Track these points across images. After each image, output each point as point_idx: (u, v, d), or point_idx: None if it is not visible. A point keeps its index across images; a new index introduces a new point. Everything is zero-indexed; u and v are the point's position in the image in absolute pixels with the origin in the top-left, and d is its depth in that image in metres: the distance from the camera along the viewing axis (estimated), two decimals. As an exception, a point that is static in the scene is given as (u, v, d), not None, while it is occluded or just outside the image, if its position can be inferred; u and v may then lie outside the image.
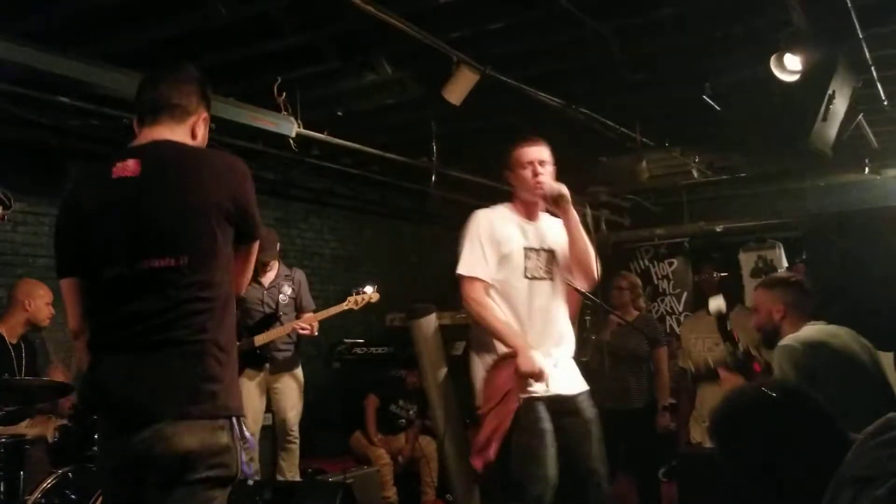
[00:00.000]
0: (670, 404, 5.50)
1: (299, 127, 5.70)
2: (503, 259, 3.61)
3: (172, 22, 4.62)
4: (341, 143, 6.52)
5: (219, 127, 5.71)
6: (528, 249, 3.65)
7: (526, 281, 3.61)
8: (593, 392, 3.72)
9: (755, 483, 1.67)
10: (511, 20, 4.76)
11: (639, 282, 5.71)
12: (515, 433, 3.38)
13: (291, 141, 5.84)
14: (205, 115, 2.60)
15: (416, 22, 4.51)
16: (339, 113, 6.23)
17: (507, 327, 3.53)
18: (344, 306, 5.65)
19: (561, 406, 3.52)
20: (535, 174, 3.65)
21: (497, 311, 3.57)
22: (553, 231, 3.77)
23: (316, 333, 5.67)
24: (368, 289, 5.73)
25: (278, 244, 5.90)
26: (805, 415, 1.70)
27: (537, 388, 3.42)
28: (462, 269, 3.63)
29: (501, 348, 3.55)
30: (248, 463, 3.16)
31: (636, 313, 5.60)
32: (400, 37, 4.58)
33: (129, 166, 2.37)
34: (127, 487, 2.31)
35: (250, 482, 4.46)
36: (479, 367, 3.63)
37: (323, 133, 6.22)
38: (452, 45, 4.86)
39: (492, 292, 3.60)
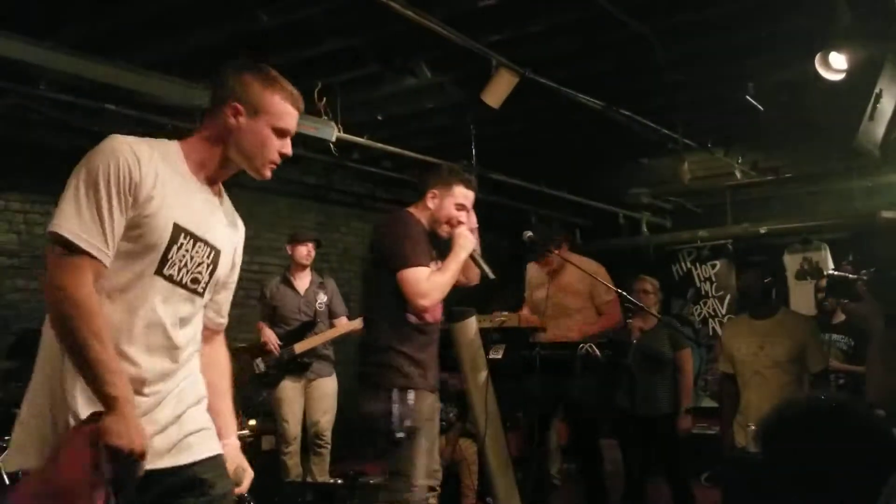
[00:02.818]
0: (702, 407, 5.44)
1: (340, 131, 5.75)
2: None
3: (215, 29, 4.69)
4: (382, 146, 6.56)
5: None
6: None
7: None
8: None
9: (802, 494, 1.64)
10: (550, 22, 4.75)
11: (657, 284, 5.65)
12: None
13: (332, 145, 5.89)
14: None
15: (455, 26, 4.52)
16: (380, 117, 6.28)
17: None
18: None
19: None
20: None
21: None
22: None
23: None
24: None
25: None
26: (855, 429, 1.68)
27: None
28: None
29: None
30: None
31: (658, 316, 5.55)
32: (439, 41, 4.59)
33: None
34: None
35: None
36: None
37: (363, 137, 6.27)
38: (492, 48, 4.87)
39: None
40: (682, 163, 6.94)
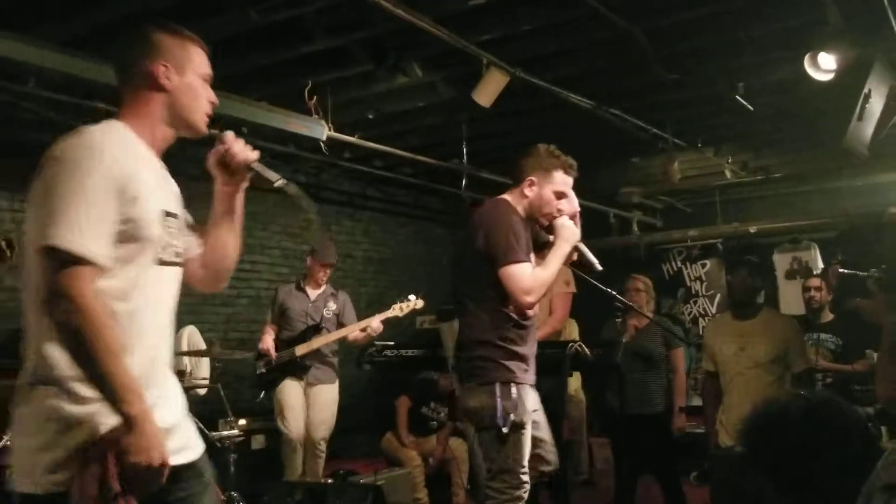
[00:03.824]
0: (693, 406, 5.46)
1: (330, 130, 5.75)
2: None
3: (206, 27, 4.66)
4: (372, 145, 6.55)
5: (251, 130, 5.78)
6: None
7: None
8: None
9: (784, 491, 1.65)
10: (541, 21, 4.75)
11: (650, 283, 5.67)
12: None
13: (323, 144, 5.89)
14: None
15: (446, 24, 4.52)
16: (370, 116, 6.27)
17: None
18: (389, 313, 5.72)
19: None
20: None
21: None
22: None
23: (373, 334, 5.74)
24: (412, 297, 5.80)
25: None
26: (836, 425, 1.69)
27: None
28: None
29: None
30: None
31: (651, 315, 5.56)
32: (430, 39, 4.59)
33: None
34: None
35: None
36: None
37: (354, 136, 6.26)
38: (482, 48, 4.87)
39: None
40: (673, 162, 6.96)
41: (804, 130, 6.02)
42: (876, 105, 4.36)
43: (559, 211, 3.45)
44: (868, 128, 4.40)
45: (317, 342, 5.70)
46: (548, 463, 3.57)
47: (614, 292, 4.45)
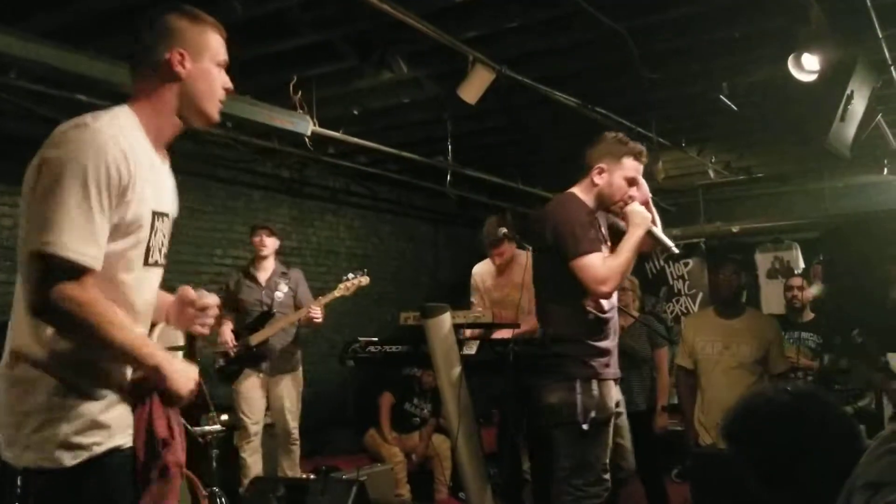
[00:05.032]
0: (671, 404, 5.48)
1: (315, 125, 5.73)
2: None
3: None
4: (357, 141, 6.53)
5: (235, 125, 5.76)
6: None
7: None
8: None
9: (768, 486, 1.65)
10: (527, 19, 4.75)
11: (637, 282, 5.68)
12: None
13: (307, 139, 5.86)
14: None
15: (432, 21, 4.51)
16: (355, 111, 6.25)
17: None
18: (336, 294, 5.68)
19: None
20: None
21: None
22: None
23: (321, 319, 5.67)
24: (351, 275, 5.76)
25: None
26: (821, 420, 1.69)
27: None
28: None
29: None
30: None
31: (636, 314, 5.58)
32: (416, 36, 4.58)
33: None
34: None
35: None
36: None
37: (338, 131, 6.24)
38: (468, 44, 4.86)
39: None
40: (657, 161, 6.98)
41: (787, 131, 6.06)
42: (858, 106, 4.39)
43: (630, 198, 3.42)
44: (850, 129, 4.43)
45: (268, 331, 5.62)
46: (622, 469, 3.55)
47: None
